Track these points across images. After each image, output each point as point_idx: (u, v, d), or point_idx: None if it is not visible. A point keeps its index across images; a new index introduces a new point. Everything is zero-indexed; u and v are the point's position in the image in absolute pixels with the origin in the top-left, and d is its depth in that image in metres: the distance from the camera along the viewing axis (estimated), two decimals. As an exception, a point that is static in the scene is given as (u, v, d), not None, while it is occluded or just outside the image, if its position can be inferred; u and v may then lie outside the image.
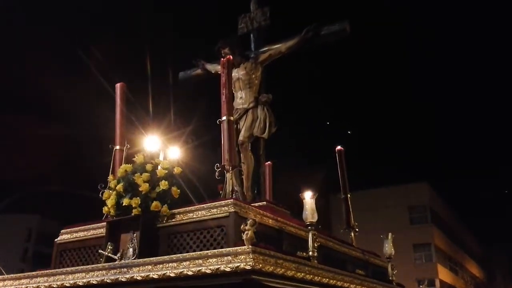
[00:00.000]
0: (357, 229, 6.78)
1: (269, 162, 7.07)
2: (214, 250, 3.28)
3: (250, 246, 3.10)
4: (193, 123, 5.86)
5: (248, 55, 6.39)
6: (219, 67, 6.47)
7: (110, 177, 4.47)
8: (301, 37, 6.14)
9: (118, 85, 5.42)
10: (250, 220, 3.20)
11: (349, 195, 6.96)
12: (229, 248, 3.20)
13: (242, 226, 3.22)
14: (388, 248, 6.17)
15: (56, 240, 4.76)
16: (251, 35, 6.73)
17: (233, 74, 6.14)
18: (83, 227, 4.62)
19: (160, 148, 4.96)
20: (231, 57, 4.83)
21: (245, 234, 3.15)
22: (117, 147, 5.12)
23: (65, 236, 4.72)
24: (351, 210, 6.91)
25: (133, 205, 4.05)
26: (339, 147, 7.12)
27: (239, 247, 3.15)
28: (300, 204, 4.29)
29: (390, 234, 6.23)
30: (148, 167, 4.21)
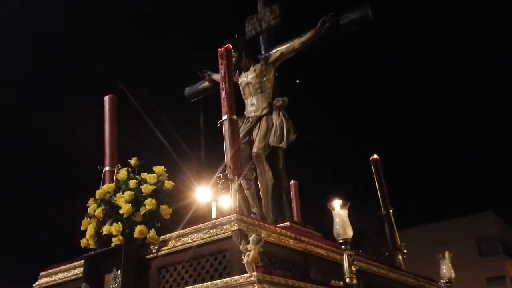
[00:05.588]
0: (405, 251, 5.68)
1: (292, 181, 6.17)
2: (207, 283, 2.34)
3: (254, 273, 2.15)
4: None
5: (258, 57, 5.58)
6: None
7: (91, 201, 3.62)
8: (316, 29, 5.29)
9: (107, 98, 4.66)
10: (253, 236, 2.25)
11: (391, 211, 5.90)
12: (226, 279, 2.26)
13: (241, 245, 2.27)
14: (447, 270, 5.04)
15: (34, 285, 3.91)
16: (260, 37, 5.94)
17: (242, 79, 5.39)
18: (63, 267, 3.76)
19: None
20: (230, 45, 4.00)
21: (246, 255, 2.20)
22: (107, 168, 4.30)
23: (44, 279, 3.86)
24: (395, 228, 5.83)
25: (114, 233, 3.18)
26: (374, 156, 6.12)
27: (239, 276, 2.21)
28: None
29: (447, 252, 5.10)
30: (132, 183, 3.35)
